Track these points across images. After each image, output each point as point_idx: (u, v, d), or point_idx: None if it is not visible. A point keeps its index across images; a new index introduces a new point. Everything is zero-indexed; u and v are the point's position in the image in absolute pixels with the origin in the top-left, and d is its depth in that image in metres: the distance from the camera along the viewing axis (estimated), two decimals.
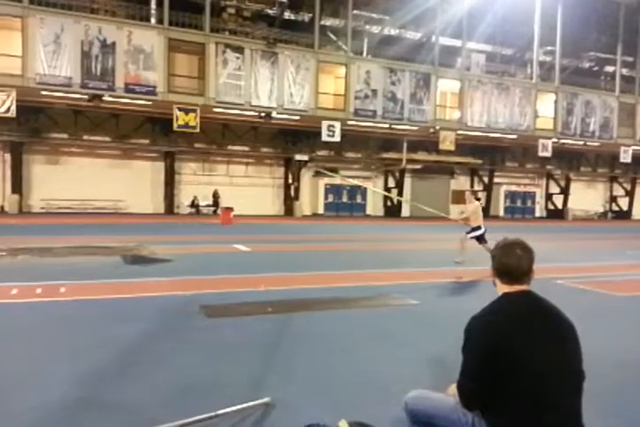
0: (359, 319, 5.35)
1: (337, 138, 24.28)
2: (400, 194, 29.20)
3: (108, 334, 4.58)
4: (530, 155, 31.44)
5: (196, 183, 25.56)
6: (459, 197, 31.81)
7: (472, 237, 9.15)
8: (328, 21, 26.49)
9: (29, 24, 19.13)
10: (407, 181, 29.70)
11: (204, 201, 25.28)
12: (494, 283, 2.23)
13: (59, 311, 5.35)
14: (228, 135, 25.48)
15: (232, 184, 26.09)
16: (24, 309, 5.43)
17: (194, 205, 25.18)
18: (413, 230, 19.40)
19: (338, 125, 24.01)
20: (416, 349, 4.42)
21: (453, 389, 2.25)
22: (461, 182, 32.15)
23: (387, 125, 25.63)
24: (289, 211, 26.71)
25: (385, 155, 28.25)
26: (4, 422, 2.85)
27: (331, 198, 27.73)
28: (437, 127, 26.49)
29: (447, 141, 26.55)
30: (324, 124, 23.81)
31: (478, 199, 10.65)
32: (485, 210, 31.27)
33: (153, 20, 21.98)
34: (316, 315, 5.50)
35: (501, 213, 32.02)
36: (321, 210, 27.57)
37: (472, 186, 32.28)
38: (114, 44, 20.29)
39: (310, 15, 25.46)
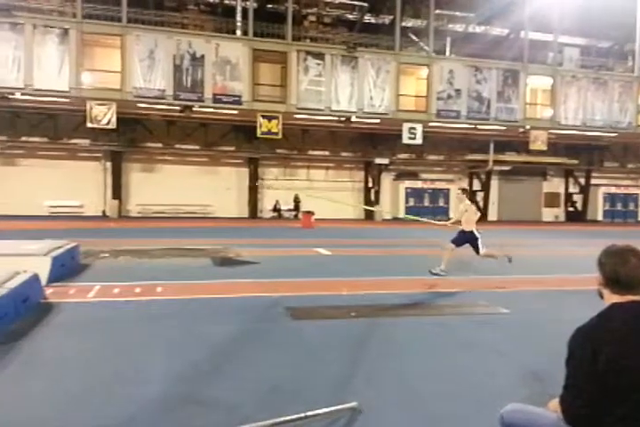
0: (447, 327, 5.18)
1: (418, 140, 23.82)
2: (486, 197, 28.08)
3: (201, 332, 4.79)
4: (631, 154, 28.95)
5: (277, 188, 26.20)
6: (552, 201, 30.02)
7: (478, 244, 7.78)
8: (409, 22, 26.11)
9: (127, 41, 20.67)
10: (494, 183, 28.48)
11: (286, 205, 25.84)
12: (600, 293, 2.06)
13: (156, 309, 5.69)
14: (308, 140, 25.89)
15: (312, 188, 26.43)
16: (126, 306, 5.83)
17: (276, 209, 25.82)
18: (500, 235, 18.50)
19: (419, 127, 23.55)
20: (509, 359, 4.20)
21: (555, 404, 2.10)
22: (555, 184, 30.26)
23: (472, 126, 24.76)
24: (369, 215, 26.59)
25: (470, 156, 27.29)
26: (110, 413, 3.06)
27: (412, 202, 27.21)
28: (527, 126, 25.14)
29: (538, 141, 25.12)
30: (405, 126, 23.46)
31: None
32: (582, 213, 29.38)
33: (238, 32, 22.89)
34: (402, 320, 5.40)
35: (600, 216, 29.70)
36: (402, 214, 27.17)
37: (567, 188, 30.27)
38: (203, 56, 21.38)
39: (391, 17, 25.27)
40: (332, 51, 22.76)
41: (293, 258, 10.62)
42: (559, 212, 30.29)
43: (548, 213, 29.95)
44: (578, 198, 29.99)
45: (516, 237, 17.98)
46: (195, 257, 9.95)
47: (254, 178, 25.46)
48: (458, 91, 24.05)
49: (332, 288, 7.07)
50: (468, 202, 7.98)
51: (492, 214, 28.49)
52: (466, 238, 7.84)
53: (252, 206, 25.45)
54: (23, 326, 4.71)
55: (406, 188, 27.20)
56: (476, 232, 7.81)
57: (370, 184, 27.15)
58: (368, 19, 26.39)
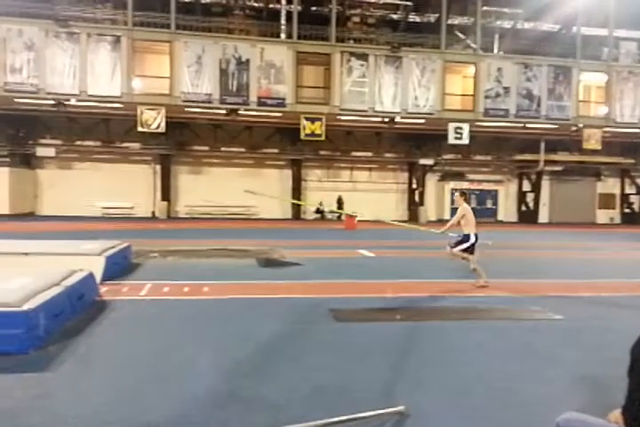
0: (497, 332, 5.03)
1: (465, 140, 23.33)
2: (537, 198, 27.19)
3: (247, 331, 4.86)
4: None
5: (320, 189, 26.28)
6: (607, 202, 28.71)
7: (462, 250, 7.50)
8: (455, 20, 25.66)
9: (176, 48, 21.29)
10: (545, 184, 27.54)
11: (329, 207, 25.87)
12: None
13: (203, 308, 5.81)
14: (351, 142, 25.84)
15: (355, 190, 26.38)
16: (175, 305, 5.99)
17: (319, 210, 25.90)
18: (551, 237, 17.90)
19: (466, 127, 23.07)
20: (562, 367, 4.03)
21: (617, 415, 2.00)
22: (610, 185, 28.91)
23: (521, 125, 24.04)
24: (413, 216, 26.26)
25: (519, 156, 26.52)
26: (161, 409, 3.14)
27: None
28: (580, 125, 24.18)
29: (592, 140, 24.10)
30: (451, 126, 23.03)
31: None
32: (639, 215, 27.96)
33: (283, 36, 23.14)
34: (449, 324, 5.28)
35: None
36: (447, 215, 26.62)
37: (622, 188, 28.87)
38: (248, 60, 21.72)
39: (436, 15, 24.91)
40: (375, 51, 22.64)
41: (337, 260, 10.60)
42: (614, 213, 28.94)
43: (603, 215, 28.68)
44: (635, 199, 28.57)
45: (568, 239, 17.29)
46: (240, 258, 10.10)
47: (297, 180, 25.66)
48: (506, 89, 23.41)
49: (376, 290, 7.02)
50: (466, 205, 7.71)
51: (543, 216, 27.55)
52: (462, 239, 7.60)
53: (296, 208, 25.63)
54: (79, 323, 4.91)
55: (452, 189, 26.67)
56: (472, 236, 7.49)
57: (414, 185, 26.81)
58: (413, 18, 26.10)
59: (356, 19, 25.01)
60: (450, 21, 24.55)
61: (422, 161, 25.57)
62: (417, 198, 26.42)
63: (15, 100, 20.15)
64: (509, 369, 3.96)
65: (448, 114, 23.17)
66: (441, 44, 23.09)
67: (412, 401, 3.19)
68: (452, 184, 26.72)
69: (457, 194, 8.02)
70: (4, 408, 3.06)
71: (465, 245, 7.46)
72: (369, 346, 4.49)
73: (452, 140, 23.30)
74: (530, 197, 27.65)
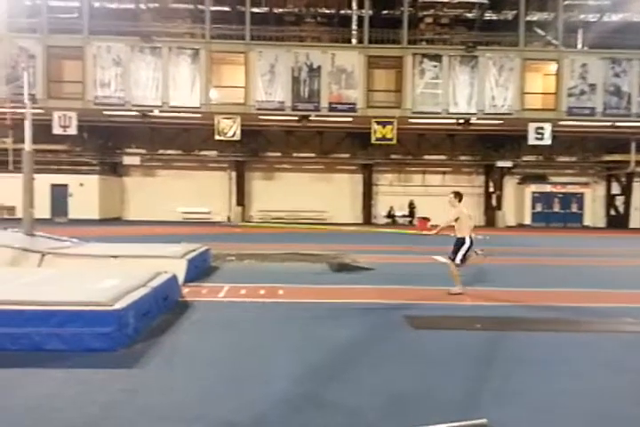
0: (585, 344, 4.70)
1: (547, 141, 22.16)
2: (628, 202, 25.29)
3: (321, 335, 4.87)
4: None
5: (391, 194, 26.02)
6: None
7: (462, 260, 6.97)
8: (534, 16, 24.53)
9: (250, 58, 21.98)
10: (636, 186, 25.54)
11: (400, 211, 25.55)
12: None
13: (279, 311, 5.91)
14: (423, 145, 25.39)
15: (428, 194, 25.80)
16: (251, 307, 6.13)
17: (390, 215, 25.63)
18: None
19: (548, 127, 21.92)
20: None
21: None
22: None
23: (609, 123, 22.47)
24: (490, 221, 25.30)
25: (607, 157, 24.82)
26: (240, 408, 3.21)
27: (539, 208, 25.36)
28: None
29: None
30: (531, 126, 21.97)
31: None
32: None
33: (354, 41, 23.21)
34: (533, 335, 5.00)
35: None
36: (528, 220, 25.42)
37: None
38: (319, 67, 21.99)
39: (514, 12, 23.94)
40: (449, 52, 22.12)
41: (409, 265, 10.42)
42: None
43: None
44: None
45: None
46: (312, 262, 10.18)
47: (368, 184, 25.57)
48: (592, 86, 22.00)
49: (453, 298, 6.80)
50: (461, 207, 7.18)
51: (635, 221, 25.52)
52: (455, 245, 7.11)
53: (367, 212, 25.54)
54: (163, 323, 5.15)
55: (533, 192, 25.42)
56: (467, 240, 7.00)
57: (491, 189, 25.84)
58: (489, 16, 25.27)
59: (429, 19, 24.57)
60: (528, 18, 23.51)
61: (500, 163, 24.60)
62: (494, 202, 25.43)
63: (104, 112, 21.69)
64: (600, 385, 3.67)
65: (528, 114, 22.14)
66: (519, 41, 22.14)
67: (495, 414, 3.03)
68: (532, 187, 25.50)
69: (451, 195, 7.36)
70: (97, 401, 3.26)
71: (462, 252, 7.00)
72: (447, 354, 4.35)
73: (532, 140, 22.23)
74: (619, 201, 25.77)
